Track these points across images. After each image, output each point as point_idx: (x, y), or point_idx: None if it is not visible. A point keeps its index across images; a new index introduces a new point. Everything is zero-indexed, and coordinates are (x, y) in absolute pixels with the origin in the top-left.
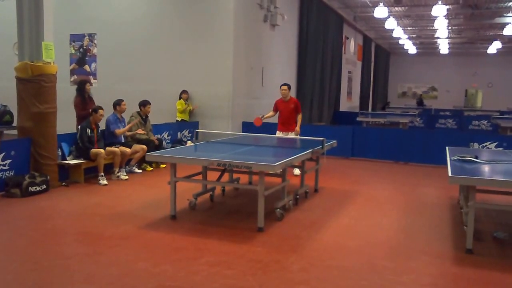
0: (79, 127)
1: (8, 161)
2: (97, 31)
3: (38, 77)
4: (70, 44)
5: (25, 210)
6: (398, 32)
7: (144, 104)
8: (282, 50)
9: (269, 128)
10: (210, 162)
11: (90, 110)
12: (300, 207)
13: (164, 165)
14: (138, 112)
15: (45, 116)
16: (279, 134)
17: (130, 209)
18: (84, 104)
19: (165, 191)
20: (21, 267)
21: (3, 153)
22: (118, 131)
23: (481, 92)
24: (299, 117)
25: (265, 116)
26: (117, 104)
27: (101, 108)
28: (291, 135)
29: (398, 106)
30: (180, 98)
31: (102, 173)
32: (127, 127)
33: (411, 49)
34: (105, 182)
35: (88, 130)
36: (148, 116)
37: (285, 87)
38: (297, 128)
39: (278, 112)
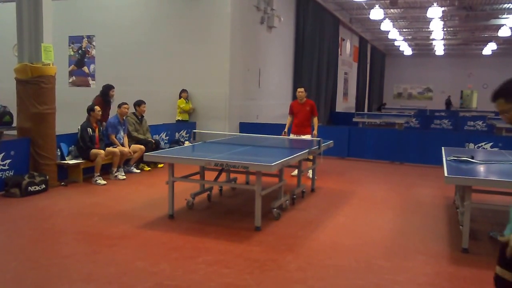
0: (79, 127)
1: (7, 161)
2: (96, 33)
3: (37, 78)
4: (69, 45)
5: (24, 209)
6: (394, 34)
7: (139, 103)
8: (279, 52)
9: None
10: (207, 162)
11: (88, 109)
12: (297, 207)
13: (161, 165)
14: (133, 113)
15: (44, 117)
16: (292, 136)
17: (128, 208)
18: (102, 106)
19: (163, 191)
20: (20, 266)
21: (3, 153)
22: (113, 139)
23: (477, 93)
24: (316, 121)
25: (287, 127)
26: (118, 106)
27: (96, 105)
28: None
29: (394, 107)
30: (180, 97)
31: (98, 173)
32: (123, 148)
33: (407, 50)
34: (103, 182)
35: (89, 130)
36: (143, 116)
37: (302, 89)
38: (315, 132)
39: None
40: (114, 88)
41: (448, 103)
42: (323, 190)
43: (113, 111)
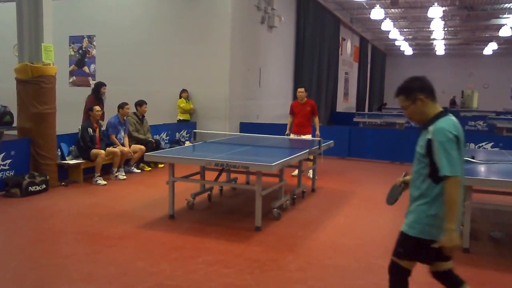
0: (80, 127)
1: (8, 161)
2: (96, 33)
3: (38, 78)
4: (70, 45)
5: (24, 209)
6: (395, 34)
7: (140, 104)
8: (279, 52)
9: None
10: (208, 162)
11: (87, 110)
12: (297, 207)
13: (162, 165)
14: (134, 113)
15: (44, 116)
16: (293, 136)
17: (128, 208)
18: (95, 104)
19: (164, 191)
20: (21, 266)
21: (3, 153)
22: (114, 139)
23: (477, 93)
24: (317, 120)
25: (288, 127)
26: (120, 107)
27: (96, 105)
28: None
29: (394, 107)
30: (180, 97)
31: (99, 173)
32: (124, 148)
33: (407, 50)
34: (103, 182)
35: (90, 130)
36: (144, 116)
37: (302, 89)
38: (317, 132)
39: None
40: (105, 85)
41: (453, 103)
42: (324, 190)
43: (108, 109)
